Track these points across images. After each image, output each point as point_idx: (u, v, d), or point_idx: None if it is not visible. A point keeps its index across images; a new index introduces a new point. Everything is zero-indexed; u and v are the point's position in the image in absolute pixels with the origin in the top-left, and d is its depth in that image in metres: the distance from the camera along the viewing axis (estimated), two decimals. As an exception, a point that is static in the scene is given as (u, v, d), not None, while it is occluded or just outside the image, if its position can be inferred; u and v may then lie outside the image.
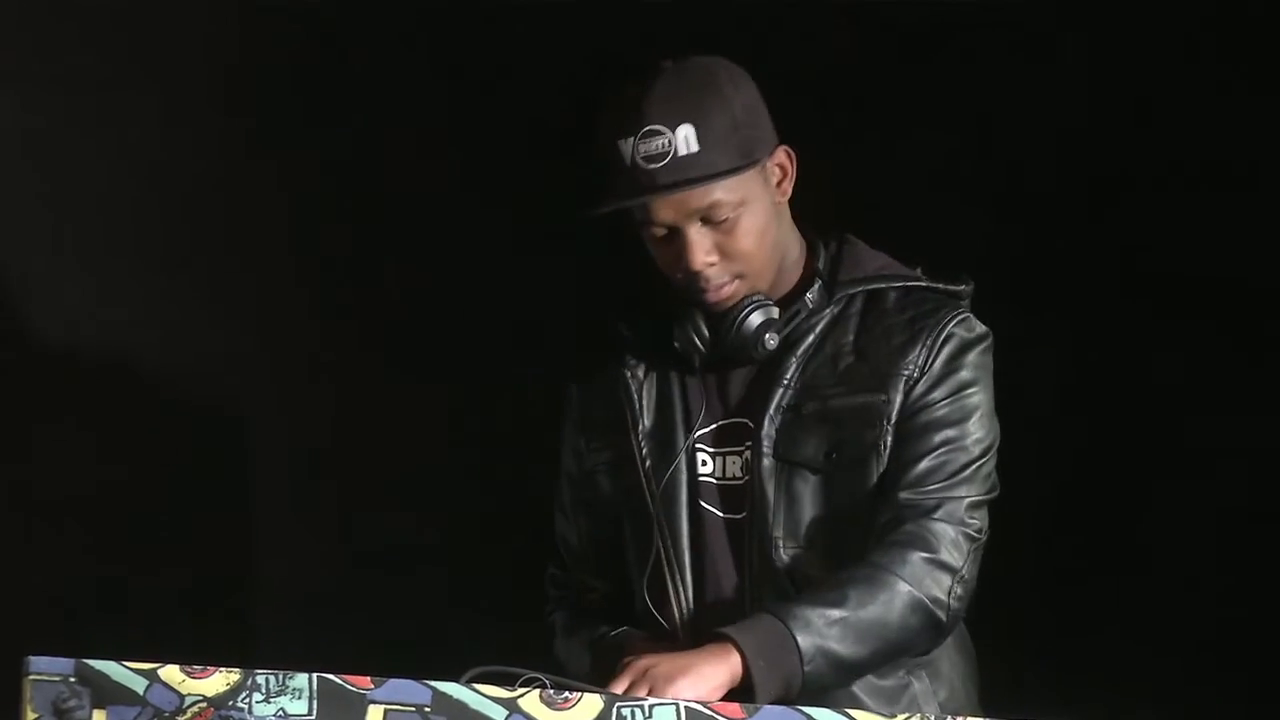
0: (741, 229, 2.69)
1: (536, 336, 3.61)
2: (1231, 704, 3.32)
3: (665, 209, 2.67)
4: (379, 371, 3.74)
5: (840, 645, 2.59)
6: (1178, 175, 3.51)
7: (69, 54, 3.61)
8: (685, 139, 2.63)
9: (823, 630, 2.58)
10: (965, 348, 2.74)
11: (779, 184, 2.74)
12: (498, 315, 3.70)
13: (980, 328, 2.77)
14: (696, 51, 2.72)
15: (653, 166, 2.64)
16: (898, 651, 2.67)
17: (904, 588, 2.62)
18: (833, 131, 3.49)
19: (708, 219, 2.68)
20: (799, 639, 2.56)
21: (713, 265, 2.70)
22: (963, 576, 2.67)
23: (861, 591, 2.61)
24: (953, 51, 3.59)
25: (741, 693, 2.53)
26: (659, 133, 2.63)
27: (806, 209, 2.80)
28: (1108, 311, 3.57)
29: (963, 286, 2.80)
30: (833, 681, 2.60)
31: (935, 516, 2.67)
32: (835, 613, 2.59)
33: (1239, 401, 3.48)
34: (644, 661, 2.52)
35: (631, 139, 2.64)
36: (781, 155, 2.74)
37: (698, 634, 2.66)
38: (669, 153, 2.63)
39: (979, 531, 2.70)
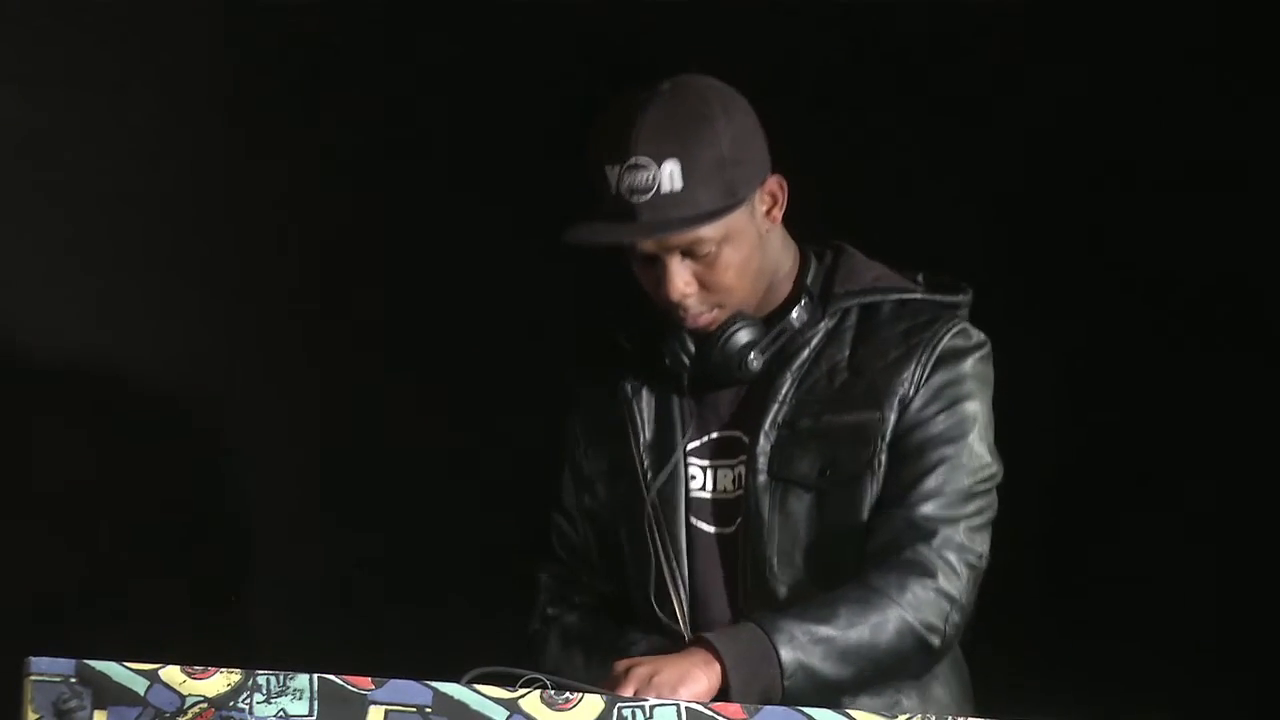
0: (722, 263, 2.67)
1: (538, 337, 3.61)
2: (1232, 708, 3.33)
3: (646, 241, 2.65)
4: (379, 372, 3.74)
5: (823, 663, 2.58)
6: (1179, 176, 3.52)
7: (70, 52, 3.62)
8: (670, 175, 2.60)
9: (807, 646, 2.57)
10: (960, 359, 2.71)
11: (768, 211, 2.70)
12: (499, 315, 3.70)
13: (977, 336, 2.75)
14: (694, 57, 2.72)
15: (636, 199, 2.61)
16: (885, 674, 2.65)
17: (897, 613, 2.61)
18: (831, 134, 3.50)
19: (689, 252, 2.66)
20: (781, 652, 2.56)
21: (690, 296, 2.68)
22: (962, 605, 2.66)
23: (853, 612, 2.60)
24: (953, 52, 3.60)
25: (718, 698, 2.52)
26: (644, 166, 2.60)
27: (804, 217, 2.79)
28: (1107, 316, 3.56)
29: (960, 296, 2.77)
30: (812, 698, 2.56)
31: (935, 543, 2.65)
32: (822, 630, 2.58)
33: (1238, 404, 3.48)
34: (645, 669, 2.51)
35: (618, 167, 2.61)
36: (773, 184, 2.70)
37: None
38: (653, 188, 2.60)
39: (979, 558, 2.69)
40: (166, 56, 3.65)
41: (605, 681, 2.52)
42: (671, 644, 2.69)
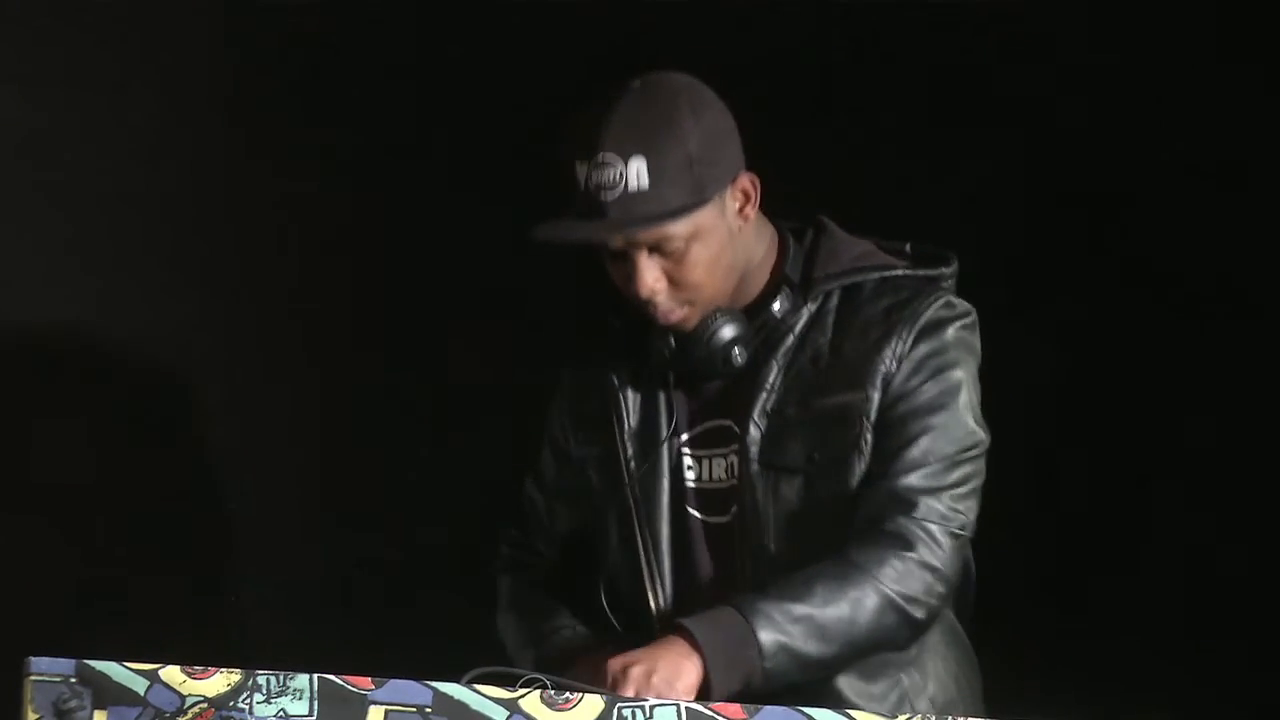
0: (691, 259, 2.67)
1: (537, 336, 3.61)
2: (1232, 708, 3.33)
3: (613, 237, 2.66)
4: (379, 372, 3.74)
5: (804, 642, 2.57)
6: (1172, 172, 3.52)
7: (70, 52, 3.61)
8: (637, 173, 2.61)
9: (785, 627, 2.56)
10: (942, 328, 2.71)
11: (741, 209, 2.71)
12: (499, 315, 3.70)
13: (961, 306, 2.74)
14: (682, 52, 2.72)
15: (604, 196, 2.62)
16: (870, 649, 2.65)
17: (876, 587, 2.60)
18: (820, 123, 3.50)
19: (657, 249, 2.66)
20: (760, 634, 2.55)
21: (660, 292, 2.69)
22: (945, 575, 2.65)
23: (831, 588, 2.59)
24: (947, 44, 3.60)
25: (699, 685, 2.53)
26: (611, 163, 2.61)
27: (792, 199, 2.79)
28: (1105, 305, 3.56)
29: (944, 269, 2.76)
30: (797, 678, 2.58)
31: (917, 514, 2.64)
32: (799, 608, 2.58)
33: (1238, 398, 3.48)
34: (640, 669, 2.52)
35: (586, 164, 2.63)
36: (744, 181, 2.70)
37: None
38: (620, 185, 2.61)
39: (963, 527, 2.68)
40: (166, 56, 3.65)
41: (605, 682, 2.52)
42: (616, 639, 2.69)
